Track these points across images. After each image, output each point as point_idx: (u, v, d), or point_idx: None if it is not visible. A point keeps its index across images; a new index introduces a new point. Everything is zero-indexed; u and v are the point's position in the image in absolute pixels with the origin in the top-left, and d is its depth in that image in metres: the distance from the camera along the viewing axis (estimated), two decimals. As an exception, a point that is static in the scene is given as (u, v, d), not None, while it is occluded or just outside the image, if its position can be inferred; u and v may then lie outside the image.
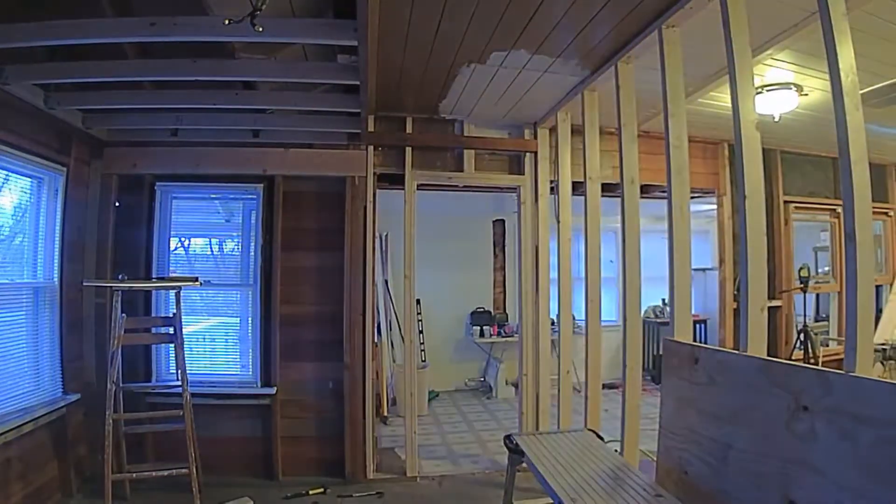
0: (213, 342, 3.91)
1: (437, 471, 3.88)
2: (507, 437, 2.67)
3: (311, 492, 3.41)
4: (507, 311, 6.71)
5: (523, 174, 4.09)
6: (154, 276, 3.69)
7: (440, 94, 3.54)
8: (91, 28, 2.26)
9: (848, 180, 1.61)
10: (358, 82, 2.73)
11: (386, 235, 5.87)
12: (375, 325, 4.43)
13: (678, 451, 2.10)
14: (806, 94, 3.36)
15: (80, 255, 3.47)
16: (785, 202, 4.68)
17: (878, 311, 4.62)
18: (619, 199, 2.79)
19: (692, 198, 2.48)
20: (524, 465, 2.53)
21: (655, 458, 2.31)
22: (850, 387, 1.37)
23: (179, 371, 3.23)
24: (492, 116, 3.97)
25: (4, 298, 2.93)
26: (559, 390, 3.61)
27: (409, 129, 3.95)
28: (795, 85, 3.26)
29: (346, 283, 3.77)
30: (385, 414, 5.24)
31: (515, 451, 2.58)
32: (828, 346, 4.78)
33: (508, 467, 2.73)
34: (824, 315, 5.59)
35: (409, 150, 3.88)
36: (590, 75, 3.14)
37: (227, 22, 2.01)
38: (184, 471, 3.11)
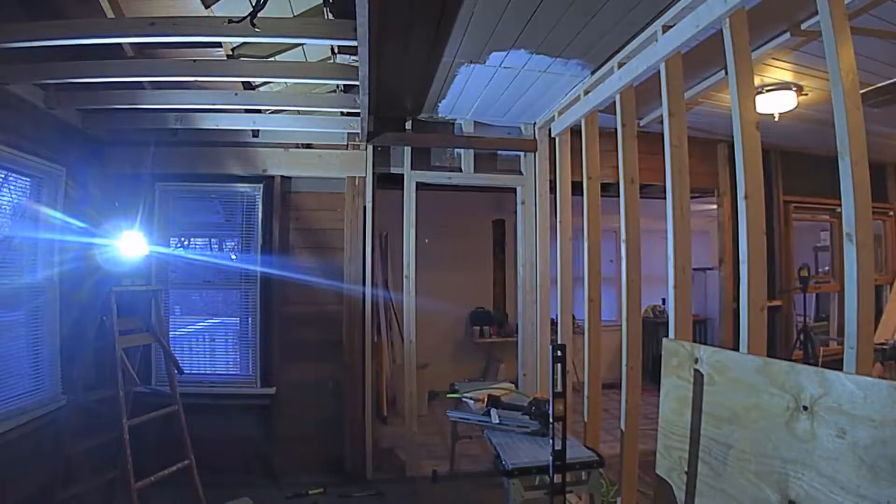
0: (213, 342, 3.91)
1: (437, 471, 3.88)
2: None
3: (311, 492, 3.41)
4: (507, 311, 6.71)
5: (523, 174, 4.09)
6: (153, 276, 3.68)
7: (440, 94, 3.54)
8: (90, 28, 2.27)
9: (848, 180, 1.61)
10: (358, 82, 2.73)
11: (386, 235, 5.86)
12: (375, 325, 4.42)
13: (678, 451, 2.10)
14: (806, 94, 3.36)
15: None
16: (785, 202, 4.67)
17: (878, 311, 4.61)
18: (618, 199, 2.79)
19: (692, 198, 2.48)
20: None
21: (655, 458, 2.31)
22: (849, 387, 1.37)
23: (168, 371, 3.22)
24: (491, 116, 3.97)
25: (4, 298, 2.93)
26: (559, 390, 3.60)
27: (409, 129, 3.95)
28: (795, 85, 3.25)
29: (346, 284, 3.77)
30: (385, 414, 5.24)
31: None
32: (828, 346, 4.78)
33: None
34: (824, 315, 5.59)
35: (408, 150, 3.88)
36: (590, 75, 3.14)
37: (227, 22, 2.02)
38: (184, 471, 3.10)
